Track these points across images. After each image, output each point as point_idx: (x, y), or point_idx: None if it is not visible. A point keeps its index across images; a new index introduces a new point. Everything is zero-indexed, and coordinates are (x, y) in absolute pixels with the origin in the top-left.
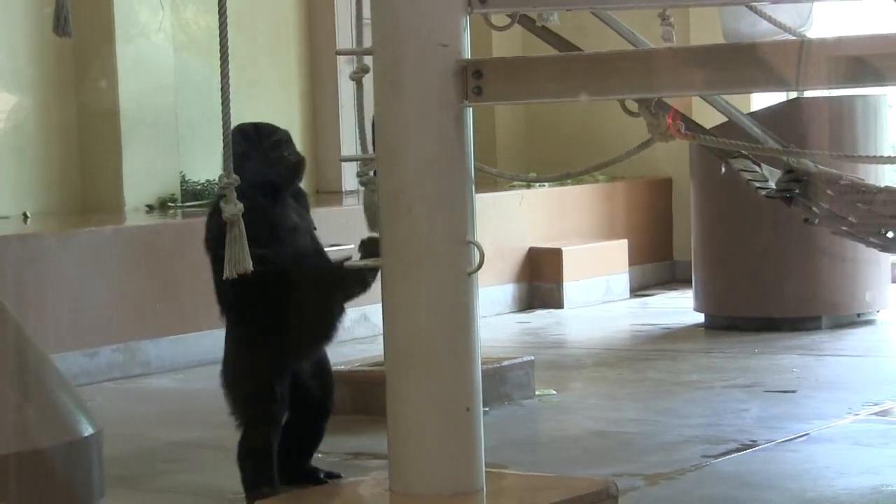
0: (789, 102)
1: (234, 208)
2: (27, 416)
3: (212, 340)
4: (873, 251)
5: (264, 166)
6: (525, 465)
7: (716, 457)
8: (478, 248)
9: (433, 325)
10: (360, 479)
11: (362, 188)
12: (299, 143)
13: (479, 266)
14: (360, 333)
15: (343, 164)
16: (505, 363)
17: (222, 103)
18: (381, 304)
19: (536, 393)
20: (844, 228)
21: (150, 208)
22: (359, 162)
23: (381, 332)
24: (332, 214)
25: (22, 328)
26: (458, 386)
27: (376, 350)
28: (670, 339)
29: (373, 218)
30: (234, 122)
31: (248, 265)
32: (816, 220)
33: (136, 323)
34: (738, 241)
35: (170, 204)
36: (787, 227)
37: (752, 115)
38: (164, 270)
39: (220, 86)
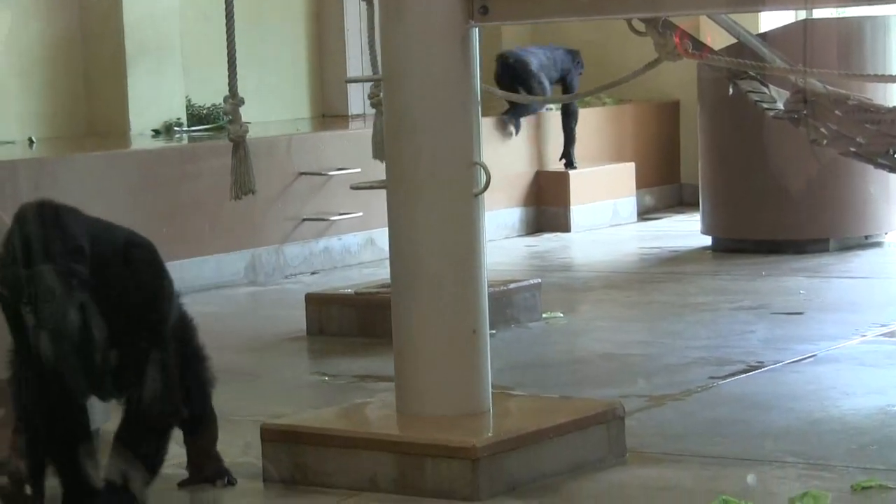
0: (798, 23)
1: (239, 129)
2: None
3: (217, 265)
4: (881, 172)
5: None
6: (531, 388)
7: (722, 378)
8: (484, 169)
9: (439, 247)
10: (366, 400)
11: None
12: (305, 66)
13: (486, 187)
14: (365, 258)
15: (349, 87)
16: (512, 286)
17: (227, 27)
18: (387, 228)
19: (543, 316)
20: (852, 149)
21: (156, 133)
22: (371, 84)
23: (388, 255)
24: (338, 138)
25: None
26: (465, 308)
27: (383, 274)
28: (677, 261)
29: (378, 145)
30: (240, 46)
31: (254, 187)
32: (824, 141)
33: None
34: (746, 163)
35: (175, 128)
36: (795, 148)
37: (761, 36)
38: (170, 195)
39: (224, 9)
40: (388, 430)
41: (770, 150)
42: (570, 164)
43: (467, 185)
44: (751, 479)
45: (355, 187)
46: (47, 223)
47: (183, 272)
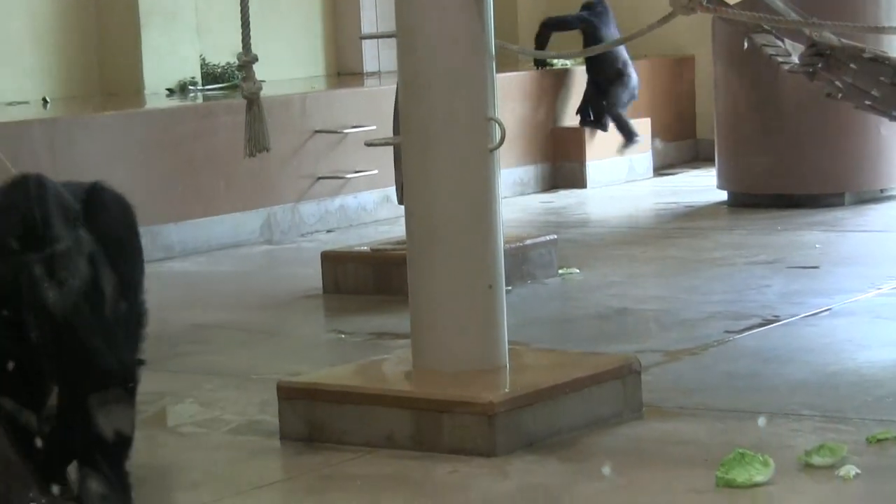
0: None
1: (252, 86)
2: None
3: (233, 224)
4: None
5: None
6: (548, 343)
7: (738, 332)
8: (499, 124)
9: (454, 202)
10: (382, 357)
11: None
12: (319, 24)
13: (501, 142)
14: (381, 215)
15: (364, 44)
16: (528, 242)
17: None
18: None
19: (559, 271)
20: (867, 103)
21: (170, 92)
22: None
23: (403, 213)
24: (353, 96)
25: None
26: (480, 263)
27: (398, 231)
28: (693, 217)
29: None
30: (253, 3)
31: (268, 144)
32: (839, 95)
33: (157, 207)
34: (761, 118)
35: (190, 87)
36: (810, 102)
37: None
38: (185, 154)
39: None
40: (405, 387)
41: (785, 105)
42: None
43: (482, 141)
44: (761, 421)
45: (370, 144)
46: (41, 196)
47: (198, 231)
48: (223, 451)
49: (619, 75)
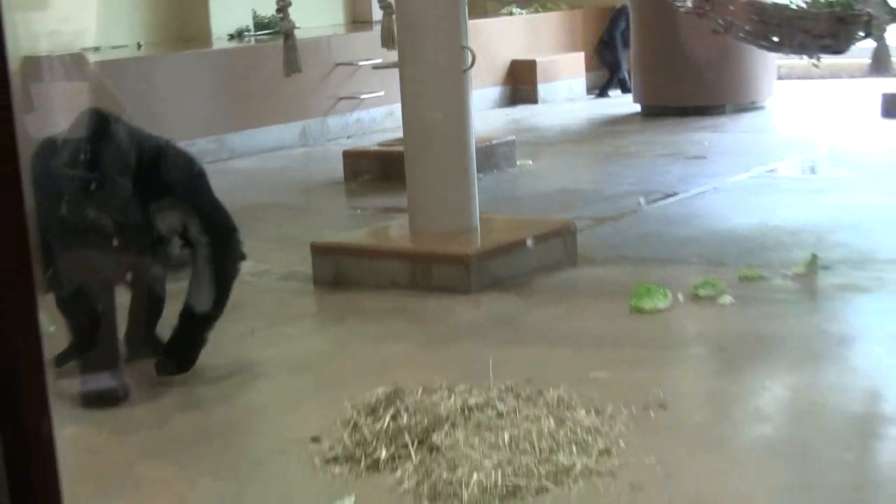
0: None
1: (288, 23)
2: None
3: (278, 133)
4: (764, 52)
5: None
6: (508, 213)
7: (647, 204)
8: (471, 51)
9: (439, 111)
10: (387, 224)
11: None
12: None
13: (472, 65)
14: (387, 125)
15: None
16: (494, 141)
17: None
18: (400, 102)
19: (517, 163)
20: (742, 35)
21: (230, 37)
22: None
23: (402, 122)
24: (365, 37)
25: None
26: (458, 154)
27: (398, 135)
28: (616, 123)
29: (386, 37)
30: None
31: (300, 68)
32: (722, 30)
33: (224, 121)
34: (665, 49)
35: (245, 33)
36: (700, 36)
37: None
38: (242, 83)
39: None
40: (404, 245)
41: (683, 38)
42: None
43: (458, 64)
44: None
45: (376, 67)
46: (103, 132)
47: (253, 138)
48: (272, 293)
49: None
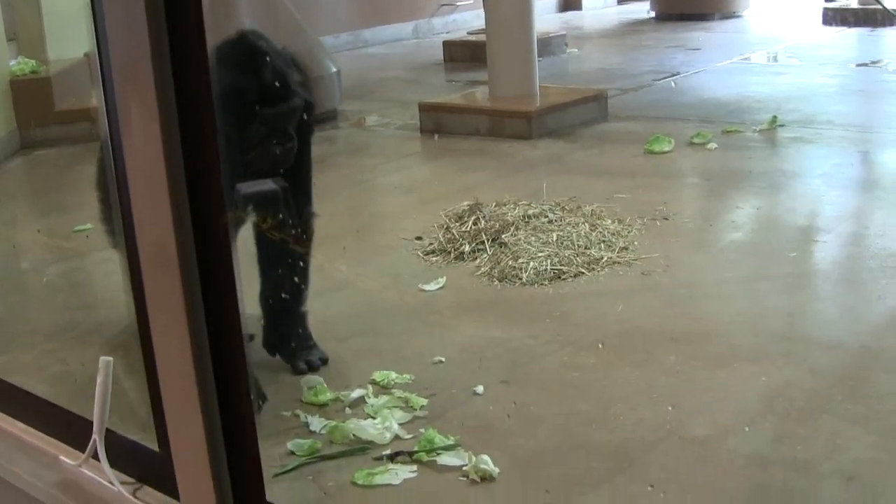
0: None
1: None
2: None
3: (397, 28)
4: None
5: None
6: (559, 83)
7: (658, 80)
8: None
9: (511, 9)
10: (473, 90)
11: None
12: None
13: None
14: (475, 25)
15: None
16: (550, 35)
17: None
18: (483, 7)
19: (567, 51)
20: None
21: None
22: None
23: (484, 20)
24: None
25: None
26: (524, 41)
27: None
28: (636, 24)
29: None
30: None
31: None
32: None
33: (358, 18)
34: None
35: None
36: None
37: None
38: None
39: None
40: (485, 104)
41: None
42: None
43: None
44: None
45: None
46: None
47: (380, 33)
48: (391, 139)
49: None
